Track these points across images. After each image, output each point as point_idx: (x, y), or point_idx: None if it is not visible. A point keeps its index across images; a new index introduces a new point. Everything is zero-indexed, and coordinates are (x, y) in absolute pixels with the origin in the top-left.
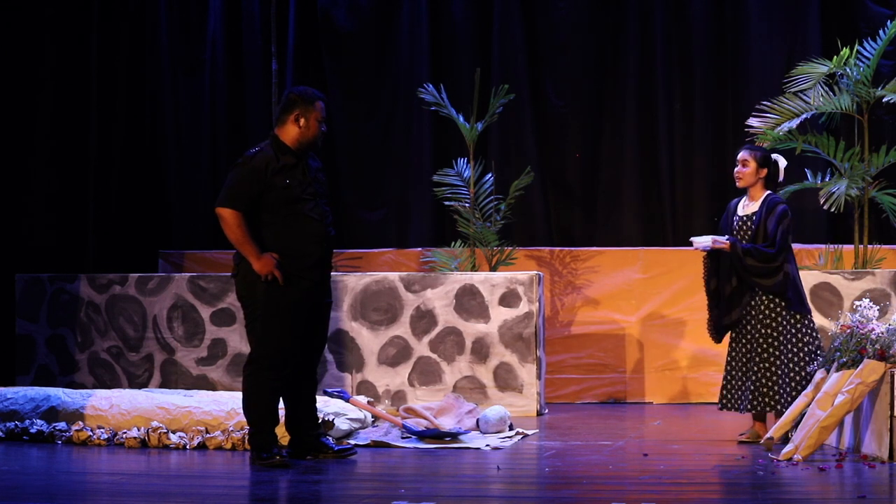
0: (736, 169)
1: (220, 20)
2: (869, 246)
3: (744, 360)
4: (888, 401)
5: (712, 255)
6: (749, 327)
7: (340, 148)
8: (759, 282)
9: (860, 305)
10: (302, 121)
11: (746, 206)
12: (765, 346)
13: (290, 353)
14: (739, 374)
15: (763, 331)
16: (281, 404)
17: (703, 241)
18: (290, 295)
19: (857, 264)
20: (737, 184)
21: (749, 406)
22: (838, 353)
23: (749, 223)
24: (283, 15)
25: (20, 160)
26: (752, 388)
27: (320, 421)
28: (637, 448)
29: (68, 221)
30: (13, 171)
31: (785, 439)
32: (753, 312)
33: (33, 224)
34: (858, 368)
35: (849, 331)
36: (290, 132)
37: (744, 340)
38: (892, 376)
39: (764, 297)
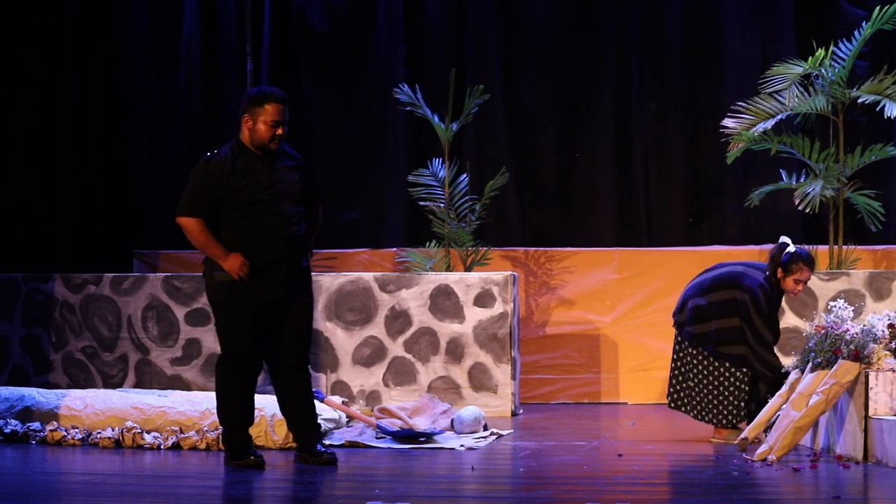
0: (800, 288)
1: (196, 19)
2: (844, 247)
3: None
4: (862, 401)
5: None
6: None
7: (316, 148)
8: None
9: (835, 306)
10: (250, 123)
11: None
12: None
13: (255, 354)
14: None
15: None
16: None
17: None
18: (251, 298)
19: (832, 265)
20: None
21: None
22: (813, 354)
23: None
24: (259, 15)
25: None
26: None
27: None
28: (612, 448)
29: (43, 221)
30: None
31: (759, 440)
32: None
33: (7, 224)
34: (833, 369)
35: (823, 331)
36: (244, 134)
37: None
38: (867, 377)
39: None
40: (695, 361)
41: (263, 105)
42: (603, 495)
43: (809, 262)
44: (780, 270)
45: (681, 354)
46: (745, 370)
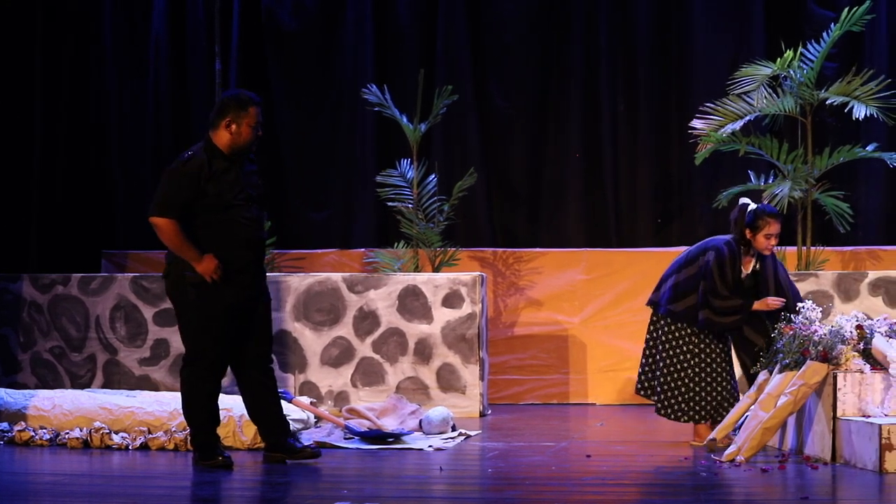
0: (773, 242)
1: (164, 20)
2: (812, 248)
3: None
4: (830, 402)
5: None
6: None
7: (285, 148)
8: None
9: (803, 307)
10: (234, 127)
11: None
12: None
13: (224, 355)
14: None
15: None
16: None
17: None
18: (221, 300)
19: (800, 266)
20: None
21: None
22: (781, 355)
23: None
24: (227, 15)
25: None
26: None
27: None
28: (580, 449)
29: (11, 221)
30: None
31: (728, 441)
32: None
33: None
34: (801, 370)
35: (791, 332)
36: (222, 137)
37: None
38: (835, 378)
39: None
40: (671, 336)
41: (248, 108)
42: (571, 496)
43: (774, 214)
44: (748, 231)
45: (656, 335)
46: (720, 347)
